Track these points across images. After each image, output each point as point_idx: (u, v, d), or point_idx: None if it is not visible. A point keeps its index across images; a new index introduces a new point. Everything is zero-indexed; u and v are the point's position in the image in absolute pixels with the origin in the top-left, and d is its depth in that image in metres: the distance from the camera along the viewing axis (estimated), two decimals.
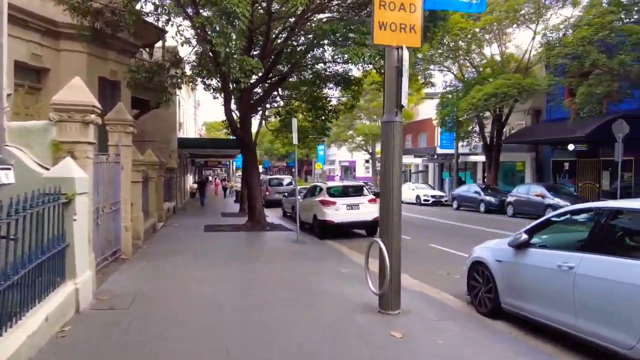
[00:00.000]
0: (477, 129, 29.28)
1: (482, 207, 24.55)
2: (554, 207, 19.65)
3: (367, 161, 68.89)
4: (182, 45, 10.77)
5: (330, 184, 14.98)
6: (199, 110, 58.31)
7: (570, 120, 20.52)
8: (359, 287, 7.30)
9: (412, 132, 47.39)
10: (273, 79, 16.55)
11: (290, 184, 30.86)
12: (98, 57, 13.48)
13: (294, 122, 12.84)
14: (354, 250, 11.99)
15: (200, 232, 14.97)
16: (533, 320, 5.36)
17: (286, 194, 27.82)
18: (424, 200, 30.55)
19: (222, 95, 24.29)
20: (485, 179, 34.20)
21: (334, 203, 13.88)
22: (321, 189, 14.75)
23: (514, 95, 23.48)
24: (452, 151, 33.38)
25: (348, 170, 75.74)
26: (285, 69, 15.97)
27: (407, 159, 46.39)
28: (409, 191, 32.57)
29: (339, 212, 13.85)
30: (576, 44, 15.71)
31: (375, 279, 6.41)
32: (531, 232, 5.59)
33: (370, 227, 14.45)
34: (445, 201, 30.69)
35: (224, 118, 23.48)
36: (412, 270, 8.98)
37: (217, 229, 15.47)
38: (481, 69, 29.09)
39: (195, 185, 39.22)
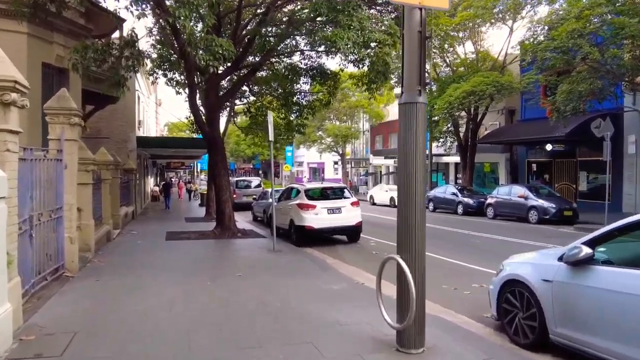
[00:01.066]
0: (452, 129, 28.49)
1: (460, 209, 23.68)
2: (538, 209, 18.89)
3: (336, 163, 67.91)
4: (139, 19, 9.15)
5: (309, 185, 13.59)
6: (161, 110, 55.83)
7: (552, 119, 19.84)
8: (362, 313, 5.94)
9: (382, 133, 46.56)
10: (243, 71, 15.02)
11: (259, 186, 29.29)
12: (41, 39, 11.63)
13: (270, 116, 11.41)
14: (337, 259, 10.65)
15: (162, 240, 13.30)
16: (600, 358, 4.13)
17: (256, 196, 26.30)
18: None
19: (186, 89, 22.62)
20: (460, 180, 33.69)
21: (313, 207, 12.50)
22: (299, 191, 13.34)
23: (492, 93, 22.76)
24: (438, 151, 32.53)
25: (316, 172, 74.50)
26: (257, 59, 14.48)
27: (378, 160, 45.57)
28: (383, 193, 31.54)
29: (319, 216, 12.48)
30: (566, 37, 14.89)
31: (390, 305, 5.06)
32: (593, 244, 4.36)
33: (353, 233, 13.16)
34: None
35: (189, 116, 21.82)
36: None
37: (182, 237, 13.83)
38: (455, 68, 28.38)
39: (157, 188, 37.13)
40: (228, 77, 16.05)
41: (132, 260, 9.69)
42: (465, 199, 23.72)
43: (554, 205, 18.66)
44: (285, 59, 17.33)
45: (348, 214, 12.77)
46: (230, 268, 8.97)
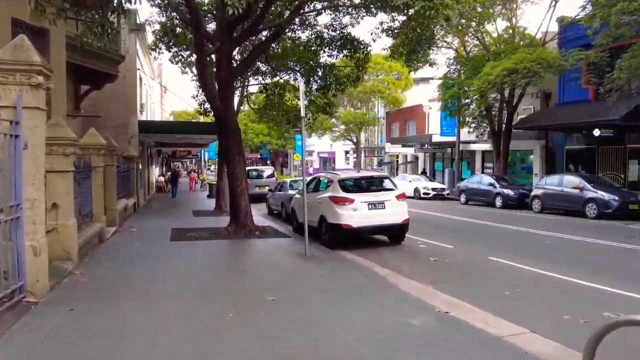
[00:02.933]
0: (484, 113, 25.91)
1: (498, 202, 21.22)
2: (598, 202, 16.40)
3: (347, 152, 65.37)
4: None
5: (343, 174, 11.15)
6: (166, 99, 53.39)
7: (610, 100, 17.29)
8: None
9: (399, 120, 43.98)
10: (262, 35, 12.58)
11: (272, 176, 26.97)
12: None
13: (301, 84, 9.01)
14: (389, 268, 8.27)
15: (166, 241, 10.99)
16: None
17: (269, 187, 23.95)
18: (424, 193, 27.11)
19: (193, 68, 20.20)
20: (488, 170, 31.22)
21: (350, 201, 10.11)
22: (330, 182, 10.94)
23: (537, 71, 20.17)
24: (453, 139, 30.01)
25: (327, 161, 72.04)
26: (280, 20, 12.01)
27: (395, 149, 43.04)
28: (407, 184, 29.04)
29: (357, 213, 10.10)
30: None
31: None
32: None
33: (398, 233, 10.79)
34: (447, 194, 27.38)
35: (197, 94, 19.39)
36: (524, 315, 5.38)
37: (189, 236, 11.51)
38: (490, 46, 25.75)
39: (162, 179, 34.93)
40: (240, 49, 13.59)
41: (125, 274, 7.35)
42: (505, 190, 21.25)
43: (616, 198, 16.17)
44: (306, 31, 14.90)
45: (393, 209, 10.38)
46: (256, 286, 6.59)
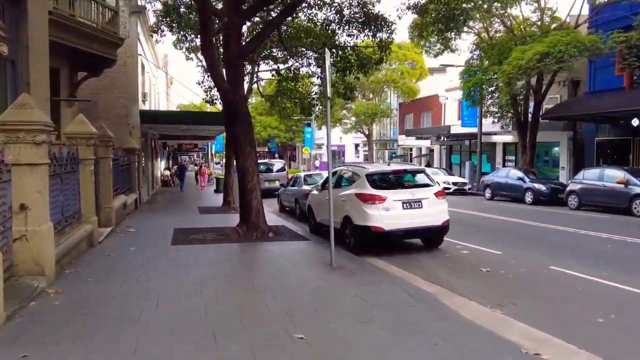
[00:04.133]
0: (510, 102, 24.19)
1: (528, 197, 19.59)
2: None
3: (357, 146, 63.71)
4: None
5: (373, 168, 9.57)
6: (173, 93, 51.83)
7: None
8: None
9: (413, 112, 42.27)
10: (274, 10, 11.01)
11: (282, 169, 25.46)
12: None
13: (327, 55, 7.43)
14: (436, 284, 6.75)
15: (166, 244, 9.53)
16: None
17: (280, 181, 22.45)
18: (445, 188, 25.37)
19: (199, 53, 18.70)
20: (510, 163, 29.60)
21: (382, 199, 8.56)
22: (356, 177, 9.39)
23: (574, 55, 18.46)
24: (474, 130, 28.32)
25: (336, 155, 70.45)
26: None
27: (409, 141, 41.36)
28: None
29: (391, 213, 8.56)
30: None
31: None
32: None
33: (437, 236, 9.26)
34: (469, 189, 25.77)
35: (202, 80, 17.86)
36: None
37: (193, 239, 10.04)
38: (516, 30, 24.00)
39: (168, 172, 33.59)
40: (249, 26, 12.00)
41: (111, 293, 5.87)
42: (536, 185, 19.60)
43: None
44: (323, 9, 13.30)
45: (431, 208, 8.84)
46: (277, 314, 5.08)
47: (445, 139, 35.35)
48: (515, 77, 19.62)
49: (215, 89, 17.55)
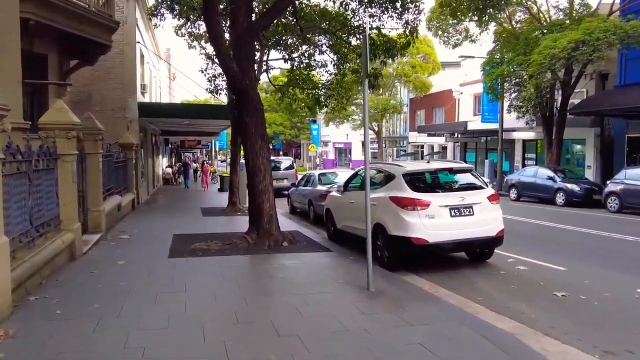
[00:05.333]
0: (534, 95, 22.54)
1: (560, 199, 17.99)
2: None
3: (363, 143, 62.07)
4: None
5: (410, 165, 7.96)
6: (176, 89, 50.20)
7: None
8: None
9: (425, 107, 40.62)
10: None
11: (290, 167, 23.88)
12: None
13: (367, 31, 5.85)
14: (510, 317, 5.21)
15: (163, 255, 8.02)
16: None
17: (288, 180, 20.88)
18: None
19: (202, 41, 17.16)
20: (530, 162, 28.06)
21: (425, 204, 7.00)
22: (390, 176, 7.80)
23: (614, 43, 16.85)
24: (494, 126, 26.70)
25: (342, 152, 68.85)
26: None
27: (421, 138, 39.70)
28: None
29: (435, 222, 7.00)
30: None
31: None
32: None
33: (489, 247, 7.71)
34: None
35: (206, 68, 16.28)
36: None
37: (195, 250, 8.52)
38: (542, 19, 22.37)
39: (169, 170, 32.13)
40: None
41: (83, 337, 4.33)
42: (568, 185, 17.99)
43: None
44: None
45: (484, 215, 7.27)
46: None
47: (458, 135, 33.74)
48: (547, 67, 18.00)
49: (220, 76, 16.04)
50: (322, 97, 13.86)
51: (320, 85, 14.40)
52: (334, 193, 10.33)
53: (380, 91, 42.40)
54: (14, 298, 5.01)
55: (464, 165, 8.98)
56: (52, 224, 6.98)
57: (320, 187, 13.39)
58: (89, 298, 5.42)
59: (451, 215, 7.09)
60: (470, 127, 29.98)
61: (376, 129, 42.38)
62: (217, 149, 47.31)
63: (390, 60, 11.82)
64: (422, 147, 41.42)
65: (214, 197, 20.99)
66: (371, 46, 10.44)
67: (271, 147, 70.58)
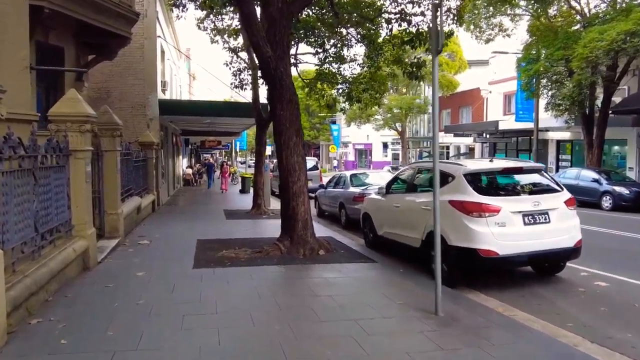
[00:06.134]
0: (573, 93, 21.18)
1: (606, 202, 16.69)
2: None
3: (385, 144, 60.81)
4: None
5: (471, 164, 6.85)
6: (195, 90, 49.63)
7: None
8: None
9: (451, 107, 39.30)
10: None
11: (315, 168, 22.92)
12: None
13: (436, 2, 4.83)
14: (615, 349, 4.13)
15: (187, 264, 7.10)
16: None
17: (312, 181, 19.89)
18: None
19: (225, 35, 16.31)
20: (564, 163, 26.74)
21: (495, 210, 5.94)
22: (448, 176, 6.74)
23: None
24: (527, 125, 25.41)
25: (363, 154, 67.71)
26: None
27: (447, 139, 38.38)
28: None
29: (507, 230, 5.94)
30: None
31: None
32: None
33: (565, 259, 6.62)
34: None
35: (234, 79, 15.40)
36: None
37: (222, 258, 7.59)
38: (582, 13, 21.02)
39: (190, 171, 31.44)
40: None
41: None
42: (616, 188, 16.67)
43: None
44: None
45: (562, 223, 6.20)
46: None
47: (488, 135, 32.41)
48: (594, 61, 16.72)
49: (246, 70, 15.14)
50: (354, 91, 12.83)
51: (351, 79, 13.38)
52: (373, 196, 9.32)
53: (404, 90, 41.29)
54: (11, 322, 4.12)
55: (534, 164, 7.89)
56: (63, 229, 6.10)
57: (353, 189, 12.39)
58: (101, 322, 4.50)
59: (524, 223, 6.01)
60: (502, 126, 28.66)
61: (400, 129, 41.18)
62: (237, 150, 46.58)
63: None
64: (448, 147, 40.14)
65: (236, 199, 20.13)
66: (414, 34, 9.40)
67: None
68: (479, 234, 5.90)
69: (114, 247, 8.32)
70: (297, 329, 4.37)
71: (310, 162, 24.24)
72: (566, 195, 6.45)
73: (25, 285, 4.47)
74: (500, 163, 7.05)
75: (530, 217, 6.03)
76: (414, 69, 9.53)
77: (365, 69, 12.95)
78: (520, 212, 6.02)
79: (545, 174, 6.91)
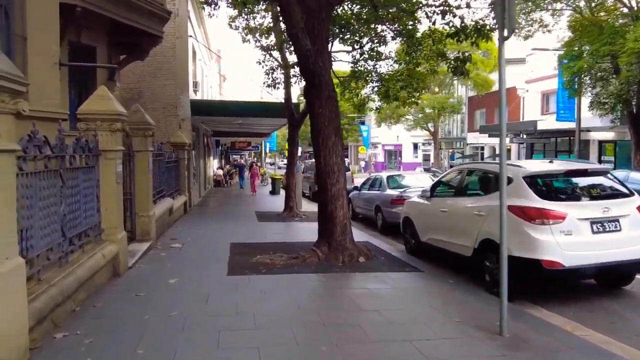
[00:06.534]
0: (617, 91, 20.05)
1: None
2: None
3: (416, 145, 59.80)
4: None
5: (531, 166, 6.19)
6: (225, 91, 49.76)
7: None
8: None
9: (485, 106, 38.17)
10: None
11: (346, 169, 22.35)
12: None
13: None
14: None
15: (220, 271, 6.72)
16: None
17: (349, 183, 19.37)
18: None
19: (257, 34, 15.99)
20: (607, 164, 25.43)
21: (560, 217, 5.33)
22: (510, 180, 6.13)
23: None
24: (568, 125, 24.31)
25: (392, 155, 66.83)
26: None
27: (483, 139, 37.22)
28: None
29: (574, 239, 5.33)
30: None
31: None
32: None
33: (636, 272, 5.96)
34: None
35: (267, 78, 15.03)
36: None
37: (257, 264, 7.18)
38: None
39: (221, 172, 31.38)
40: None
41: None
42: None
43: None
44: None
45: (633, 232, 5.53)
46: None
47: (525, 136, 31.25)
48: None
49: (279, 69, 14.78)
50: (391, 89, 12.28)
51: (387, 76, 12.82)
52: (415, 199, 8.77)
53: (437, 89, 40.36)
54: (35, 336, 3.78)
55: (599, 166, 7.26)
56: (92, 233, 5.79)
57: (390, 192, 11.85)
58: (131, 337, 4.12)
59: (593, 232, 5.39)
60: (541, 126, 27.55)
61: (432, 130, 40.27)
62: (266, 151, 46.44)
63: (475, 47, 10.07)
64: (483, 148, 39.02)
65: (267, 201, 19.81)
66: (460, 28, 8.80)
67: None
68: (542, 243, 5.30)
69: (145, 251, 8.02)
70: (346, 352, 3.89)
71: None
72: (638, 200, 5.78)
73: (51, 296, 4.14)
74: (562, 164, 6.41)
75: (599, 224, 5.40)
76: (459, 64, 8.93)
77: (403, 65, 12.37)
78: (588, 219, 5.39)
79: (611, 176, 6.24)
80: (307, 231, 11.07)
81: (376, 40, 11.98)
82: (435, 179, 9.33)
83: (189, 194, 15.68)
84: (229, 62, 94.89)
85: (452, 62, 9.15)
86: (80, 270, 4.99)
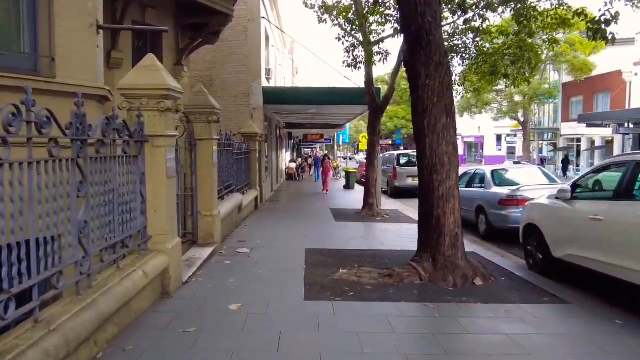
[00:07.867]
0: None
1: None
2: None
3: (499, 137, 55.74)
4: None
5: None
6: (298, 82, 48.66)
7: None
8: None
9: (583, 93, 34.19)
10: None
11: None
12: None
13: None
14: None
15: (296, 292, 5.18)
16: None
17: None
18: None
19: (333, 13, 14.36)
20: None
21: None
22: None
23: None
24: None
25: (472, 147, 62.99)
26: None
27: (581, 130, 33.34)
28: None
29: None
30: None
31: None
32: None
33: None
34: None
35: (347, 56, 13.36)
36: None
37: (343, 282, 5.57)
38: None
39: (293, 165, 30.32)
40: None
41: None
42: None
43: None
44: None
45: None
46: None
47: (632, 126, 27.31)
48: None
49: (360, 47, 13.03)
50: (499, 65, 10.18)
51: (491, 50, 10.71)
52: (543, 201, 6.76)
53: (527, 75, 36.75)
54: None
55: None
56: (132, 243, 4.44)
57: (496, 190, 9.78)
58: None
59: None
60: None
61: (522, 119, 36.71)
62: (339, 144, 44.81)
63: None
64: (579, 140, 35.03)
65: (341, 196, 18.25)
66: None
67: (391, 143, 66.62)
68: None
69: (206, 259, 6.67)
70: None
71: None
72: None
73: (46, 350, 2.73)
74: None
75: None
76: (600, 26, 6.78)
77: (512, 37, 10.22)
78: None
79: None
80: (394, 235, 9.37)
81: (483, 4, 9.88)
82: (577, 176, 7.25)
83: (261, 189, 14.44)
84: (300, 53, 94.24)
85: (590, 23, 6.93)
86: (106, 300, 3.60)
